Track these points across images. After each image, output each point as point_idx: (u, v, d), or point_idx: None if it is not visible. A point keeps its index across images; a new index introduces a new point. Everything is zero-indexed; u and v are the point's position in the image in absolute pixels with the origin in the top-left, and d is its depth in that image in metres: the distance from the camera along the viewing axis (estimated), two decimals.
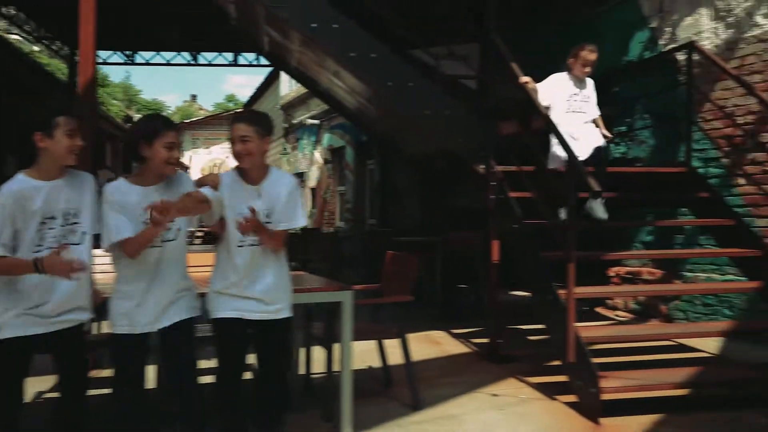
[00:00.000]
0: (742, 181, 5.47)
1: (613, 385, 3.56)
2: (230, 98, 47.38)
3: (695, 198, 5.34)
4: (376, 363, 4.45)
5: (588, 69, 4.94)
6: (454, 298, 7.01)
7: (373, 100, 5.31)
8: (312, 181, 16.20)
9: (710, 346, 5.24)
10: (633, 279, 6.67)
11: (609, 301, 7.01)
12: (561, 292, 3.93)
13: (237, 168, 2.95)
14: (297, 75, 6.82)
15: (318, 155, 15.58)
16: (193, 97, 40.48)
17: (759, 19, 5.38)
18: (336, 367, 3.64)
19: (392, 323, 4.14)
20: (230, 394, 2.96)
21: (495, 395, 4.10)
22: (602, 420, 3.55)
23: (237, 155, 2.87)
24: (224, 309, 2.91)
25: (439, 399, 4.02)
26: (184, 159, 17.96)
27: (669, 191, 5.69)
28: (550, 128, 4.12)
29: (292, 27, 4.95)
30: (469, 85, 7.48)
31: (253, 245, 2.88)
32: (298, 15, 4.75)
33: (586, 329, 3.99)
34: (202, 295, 3.00)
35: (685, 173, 5.52)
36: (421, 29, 5.79)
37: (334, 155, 14.50)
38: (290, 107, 17.01)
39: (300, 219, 3.03)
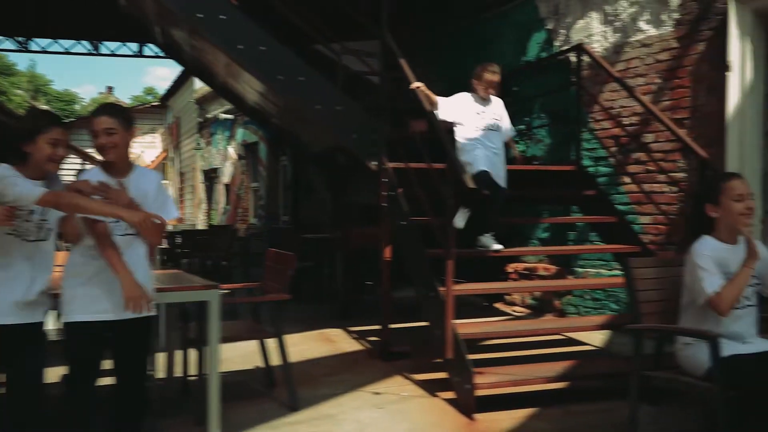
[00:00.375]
0: (627, 179, 5.67)
1: (487, 381, 3.59)
2: (149, 91, 45.81)
3: (583, 196, 5.49)
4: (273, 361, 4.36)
5: (492, 90, 4.80)
6: (354, 295, 6.97)
7: (268, 94, 5.19)
8: (226, 177, 15.84)
9: (596, 339, 5.41)
10: (529, 275, 6.82)
11: (507, 297, 7.14)
12: (441, 289, 3.93)
13: (101, 163, 2.80)
14: (193, 67, 6.59)
15: (232, 151, 15.24)
16: (110, 88, 38.70)
17: (642, 25, 5.58)
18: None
19: (279, 322, 4.01)
20: (81, 400, 2.79)
21: (377, 393, 4.07)
22: (477, 416, 3.58)
23: (102, 148, 2.72)
24: (78, 312, 2.74)
25: (320, 398, 3.96)
26: (91, 153, 17.20)
27: (562, 189, 5.84)
28: (437, 133, 4.06)
29: (179, 18, 4.75)
30: (374, 82, 7.49)
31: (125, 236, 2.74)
32: (183, 4, 4.57)
33: (464, 326, 4.02)
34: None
35: (575, 171, 5.66)
36: (321, 24, 5.71)
37: (248, 151, 14.21)
38: (204, 101, 16.56)
39: (173, 212, 2.90)
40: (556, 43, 6.54)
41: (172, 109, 22.29)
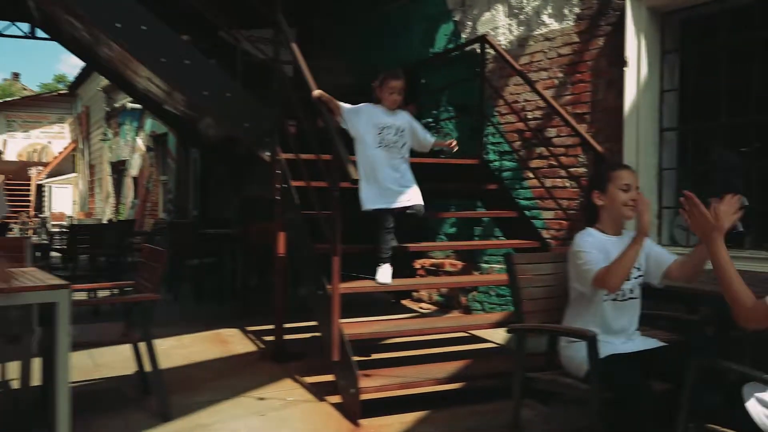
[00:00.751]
0: (531, 174, 5.61)
1: (373, 385, 3.40)
2: (60, 78, 43.57)
3: (485, 190, 5.39)
4: (147, 367, 4.02)
5: (397, 97, 4.30)
6: (255, 293, 6.67)
7: (154, 79, 4.83)
8: (134, 170, 15.11)
9: (499, 336, 5.33)
10: (437, 271, 6.71)
11: (415, 294, 7.01)
12: (329, 286, 3.71)
13: None
14: (76, 49, 6.09)
15: (140, 142, 14.55)
16: (16, 75, 36.62)
17: (545, 18, 5.53)
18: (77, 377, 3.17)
19: (147, 325, 3.68)
20: None
21: (262, 399, 3.82)
22: (363, 421, 3.38)
23: None
24: None
25: (197, 406, 3.67)
26: None
27: (467, 183, 5.73)
28: (329, 134, 3.80)
29: None
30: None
31: None
32: None
33: (352, 326, 3.82)
34: None
35: (478, 165, 5.56)
36: (220, 10, 5.42)
37: (157, 142, 13.58)
38: (112, 90, 15.73)
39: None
40: (463, 35, 6.43)
41: (82, 98, 21.17)
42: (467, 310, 6.35)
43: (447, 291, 6.62)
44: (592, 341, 2.32)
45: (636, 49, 4.81)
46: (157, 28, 4.44)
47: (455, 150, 4.67)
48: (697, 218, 2.09)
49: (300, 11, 5.68)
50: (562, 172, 5.27)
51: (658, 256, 2.69)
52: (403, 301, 7.02)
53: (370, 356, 4.39)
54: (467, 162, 5.57)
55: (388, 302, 6.93)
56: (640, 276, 2.70)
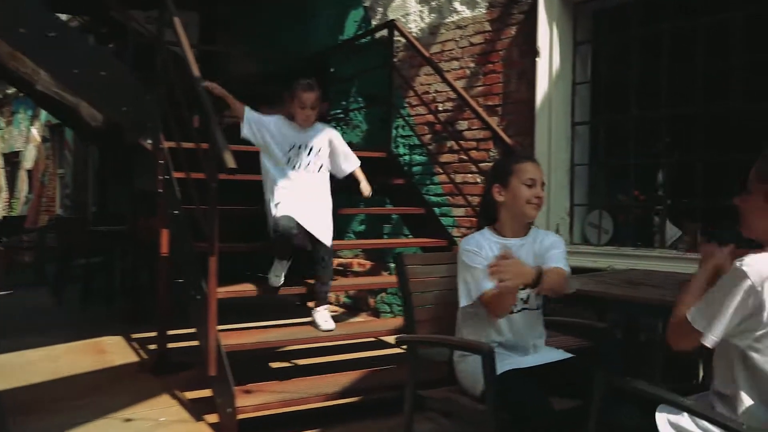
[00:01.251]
0: (441, 169, 5.33)
1: (252, 404, 2.99)
2: None
3: (392, 185, 5.07)
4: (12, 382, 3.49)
5: (310, 111, 3.74)
6: (144, 292, 6.09)
7: (16, 54, 4.23)
8: (29, 162, 13.99)
9: None
10: (344, 271, 6.34)
11: None
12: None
13: None
14: None
15: (35, 132, 13.47)
16: None
17: (457, 5, 5.26)
18: None
19: None
20: None
21: (129, 420, 3.33)
22: None
23: None
24: None
25: (52, 430, 3.15)
26: None
27: (375, 177, 5.38)
28: (206, 119, 3.34)
29: None
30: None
31: None
32: None
33: (232, 335, 3.40)
34: None
35: (386, 159, 5.23)
36: None
37: (53, 133, 12.58)
38: None
39: None
40: (374, 22, 6.09)
41: None
42: (375, 313, 6.02)
43: (355, 293, 6.26)
44: (488, 355, 2.00)
45: (548, 39, 4.60)
46: None
47: (367, 197, 4.23)
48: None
49: None
50: (473, 167, 5.01)
51: (546, 258, 2.31)
52: (310, 303, 6.61)
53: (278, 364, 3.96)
54: (375, 155, 5.21)
55: (291, 305, 6.50)
56: None
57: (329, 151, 3.92)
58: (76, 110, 5.48)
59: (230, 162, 2.90)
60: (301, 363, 4.44)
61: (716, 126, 3.92)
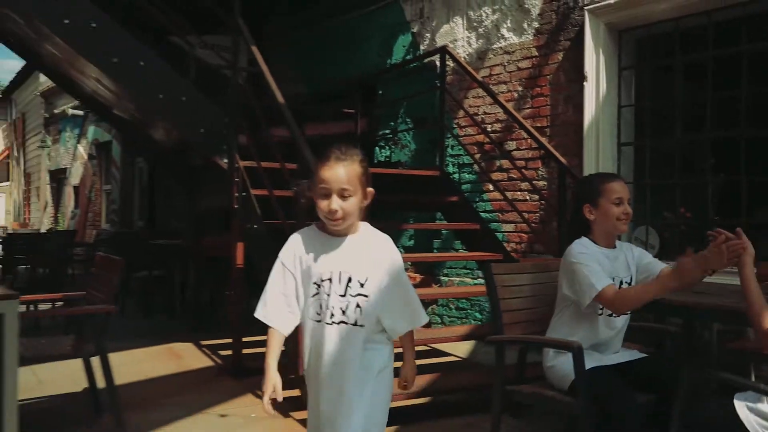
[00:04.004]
0: (491, 187, 5.63)
1: None
2: None
3: (446, 202, 5.38)
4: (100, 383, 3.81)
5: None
6: (207, 306, 6.47)
7: (103, 80, 4.62)
8: (75, 179, 14.53)
9: (461, 350, 5.31)
10: None
11: None
12: None
13: None
14: (17, 47, 5.79)
15: (82, 150, 14.01)
16: None
17: (505, 32, 5.59)
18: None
19: (101, 338, 3.49)
20: None
21: (223, 416, 3.66)
22: None
23: None
24: None
25: (154, 424, 3.49)
26: None
27: (425, 195, 5.70)
28: (296, 141, 3.70)
29: None
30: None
31: None
32: None
33: None
34: None
35: (438, 177, 5.54)
36: (177, 15, 5.26)
37: (100, 150, 13.10)
38: (52, 95, 15.13)
39: None
40: (422, 47, 6.44)
41: (18, 104, 20.29)
42: (427, 325, 6.30)
43: None
44: (578, 353, 2.30)
45: (594, 65, 4.90)
46: (109, 27, 4.25)
47: None
48: (730, 246, 2.12)
49: (253, 15, 5.58)
50: (523, 185, 5.32)
51: (648, 267, 2.59)
52: None
53: None
54: (428, 173, 5.54)
55: None
56: None
57: None
58: (148, 131, 5.87)
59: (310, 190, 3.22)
60: None
61: (759, 147, 4.19)
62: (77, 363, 3.57)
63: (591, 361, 2.39)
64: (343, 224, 1.95)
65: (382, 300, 1.99)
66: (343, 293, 1.96)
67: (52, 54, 4.87)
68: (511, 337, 2.63)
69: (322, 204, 1.93)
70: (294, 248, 2.03)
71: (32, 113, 18.40)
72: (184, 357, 5.11)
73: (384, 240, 2.08)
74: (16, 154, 21.43)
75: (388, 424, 3.32)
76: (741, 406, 1.90)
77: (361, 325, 1.97)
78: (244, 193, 4.43)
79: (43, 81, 15.23)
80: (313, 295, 1.98)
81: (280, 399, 1.96)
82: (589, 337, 2.53)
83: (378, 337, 2.04)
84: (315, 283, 1.98)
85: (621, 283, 2.53)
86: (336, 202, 1.91)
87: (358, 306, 1.96)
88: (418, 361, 4.92)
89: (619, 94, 4.94)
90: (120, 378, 4.33)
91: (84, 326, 3.53)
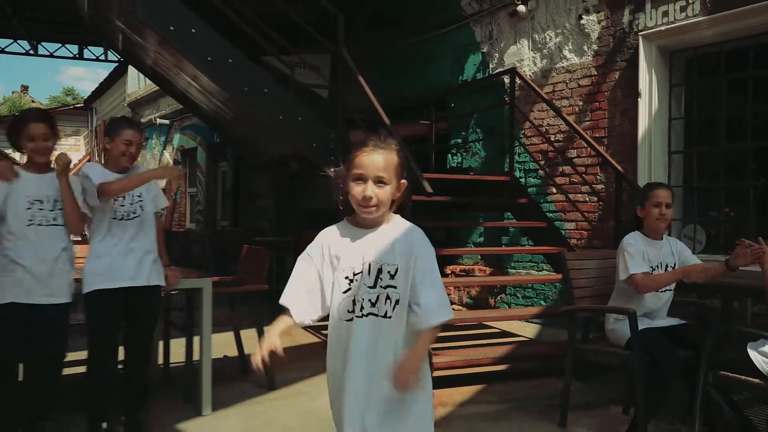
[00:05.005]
0: (554, 190, 6.41)
1: (444, 361, 4.15)
2: (68, 91, 44.38)
3: (516, 203, 6.17)
4: (231, 352, 4.76)
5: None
6: None
7: (229, 104, 5.55)
8: (162, 182, 15.85)
9: (527, 332, 6.11)
10: (466, 276, 7.46)
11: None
12: None
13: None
14: (153, 75, 6.85)
15: (168, 156, 15.30)
16: (24, 88, 37.31)
17: (566, 53, 6.35)
18: (195, 355, 3.94)
19: (258, 312, 4.42)
20: (101, 371, 3.17)
21: None
22: (434, 391, 4.12)
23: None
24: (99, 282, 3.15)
25: (292, 380, 4.42)
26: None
27: (496, 197, 6.51)
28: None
29: (148, 27, 5.05)
30: (320, 94, 7.97)
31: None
32: (155, 16, 4.88)
33: None
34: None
35: (508, 182, 6.34)
36: (276, 38, 6.08)
37: (185, 156, 14.35)
38: (138, 105, 16.52)
39: None
40: (491, 66, 7.24)
41: (98, 112, 21.92)
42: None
43: (476, 293, 7.38)
44: (633, 316, 3.10)
45: (647, 83, 5.62)
46: (241, 61, 5.14)
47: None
48: (753, 249, 2.94)
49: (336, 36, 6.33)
50: (583, 188, 6.07)
51: (687, 260, 3.42)
52: None
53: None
54: (499, 179, 6.35)
55: None
56: None
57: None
58: (252, 144, 6.83)
59: (428, 187, 4.08)
60: (457, 343, 5.55)
61: None
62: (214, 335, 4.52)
63: (642, 324, 3.20)
64: (376, 213, 1.89)
65: (412, 292, 1.90)
66: (373, 284, 1.89)
67: (187, 84, 5.84)
68: (581, 307, 3.45)
69: (357, 189, 1.88)
70: (322, 241, 1.99)
71: None
72: (293, 335, 6.05)
73: (416, 231, 1.97)
74: (97, 159, 23.05)
75: (476, 383, 4.18)
76: (752, 351, 2.67)
77: (389, 317, 1.89)
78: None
79: (131, 92, 16.59)
80: (345, 291, 1.91)
81: (279, 352, 1.94)
82: (640, 307, 3.32)
83: (410, 338, 1.93)
84: (347, 278, 1.90)
85: (666, 267, 3.37)
86: (371, 189, 1.86)
87: (388, 298, 1.89)
88: (495, 341, 5.79)
89: (670, 108, 5.65)
90: (248, 349, 5.31)
91: (234, 302, 4.48)
